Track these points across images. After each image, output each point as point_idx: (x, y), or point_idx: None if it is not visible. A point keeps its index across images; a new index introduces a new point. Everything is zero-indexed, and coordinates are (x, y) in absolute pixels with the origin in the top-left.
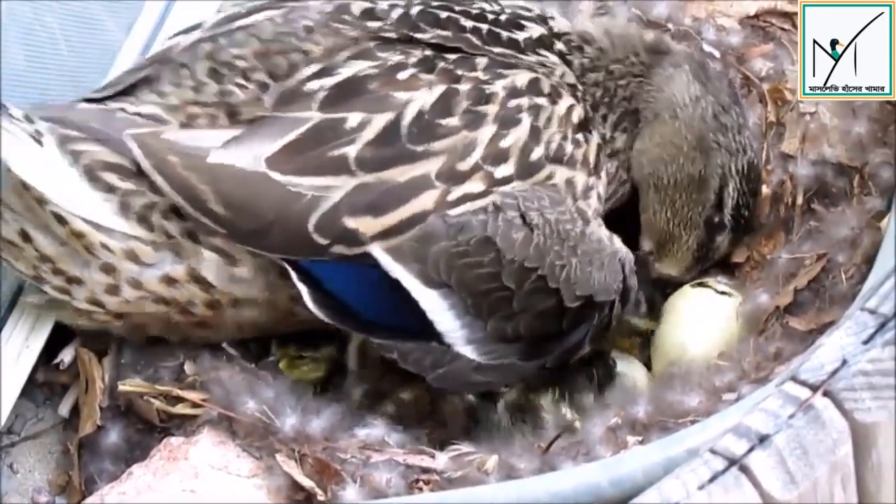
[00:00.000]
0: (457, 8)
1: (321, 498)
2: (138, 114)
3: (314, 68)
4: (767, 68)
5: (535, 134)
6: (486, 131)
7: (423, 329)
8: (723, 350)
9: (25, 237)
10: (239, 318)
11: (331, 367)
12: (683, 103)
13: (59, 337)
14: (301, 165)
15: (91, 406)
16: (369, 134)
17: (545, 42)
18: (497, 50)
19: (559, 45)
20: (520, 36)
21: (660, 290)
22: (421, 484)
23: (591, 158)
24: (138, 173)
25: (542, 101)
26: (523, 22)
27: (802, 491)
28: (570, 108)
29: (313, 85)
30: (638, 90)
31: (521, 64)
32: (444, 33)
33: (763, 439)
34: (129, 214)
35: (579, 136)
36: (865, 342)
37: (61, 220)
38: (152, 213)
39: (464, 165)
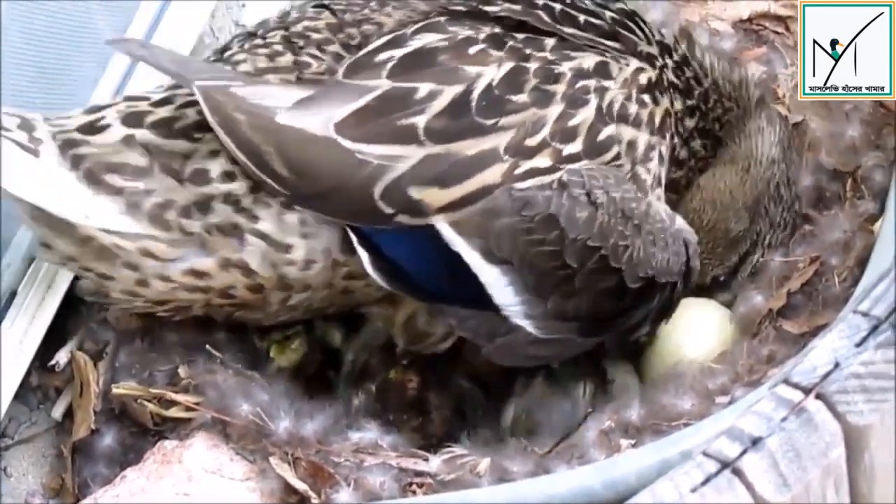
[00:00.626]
0: None
1: (315, 501)
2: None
3: (384, 39)
4: (760, 73)
5: (600, 113)
6: (555, 109)
7: (481, 300)
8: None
9: (46, 245)
10: (289, 299)
11: (318, 347)
12: (760, 161)
13: (54, 340)
14: (370, 132)
15: (85, 410)
16: (439, 105)
17: (638, 22)
18: (568, 30)
19: (650, 33)
20: (605, 19)
21: None
22: (414, 487)
23: (657, 119)
24: (148, 170)
25: (608, 83)
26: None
27: (795, 493)
28: (639, 71)
29: (383, 55)
30: (732, 122)
31: (591, 48)
32: (515, 7)
33: (756, 442)
34: (138, 214)
35: (645, 97)
36: (858, 345)
37: (70, 225)
38: (167, 211)
39: (532, 141)
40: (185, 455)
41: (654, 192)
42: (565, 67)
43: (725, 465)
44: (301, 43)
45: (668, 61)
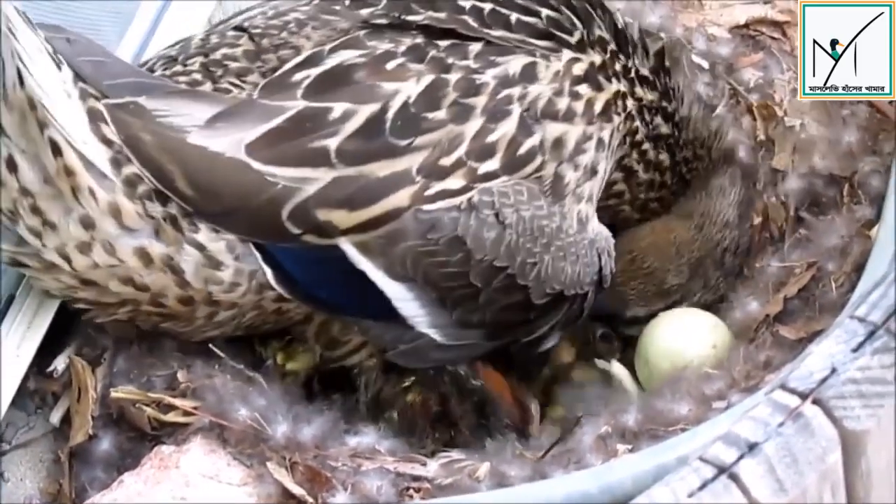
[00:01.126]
0: None
1: None
2: None
3: (300, 58)
4: (757, 78)
5: (523, 123)
6: (474, 125)
7: (387, 312)
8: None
9: (12, 165)
10: (215, 315)
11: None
12: (715, 222)
13: (52, 346)
14: (281, 154)
15: (83, 415)
16: (352, 126)
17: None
18: (497, 33)
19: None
20: (538, 16)
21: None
22: (411, 491)
23: (598, 105)
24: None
25: (534, 87)
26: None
27: (792, 499)
28: (572, 61)
29: (299, 75)
30: (698, 171)
31: (520, 49)
32: (438, 15)
33: (752, 447)
34: (118, 172)
35: (581, 87)
36: (855, 350)
37: (57, 150)
38: (139, 184)
39: (447, 161)
40: (182, 460)
41: (576, 191)
42: (489, 76)
43: (722, 470)
44: (220, 72)
45: (639, 65)
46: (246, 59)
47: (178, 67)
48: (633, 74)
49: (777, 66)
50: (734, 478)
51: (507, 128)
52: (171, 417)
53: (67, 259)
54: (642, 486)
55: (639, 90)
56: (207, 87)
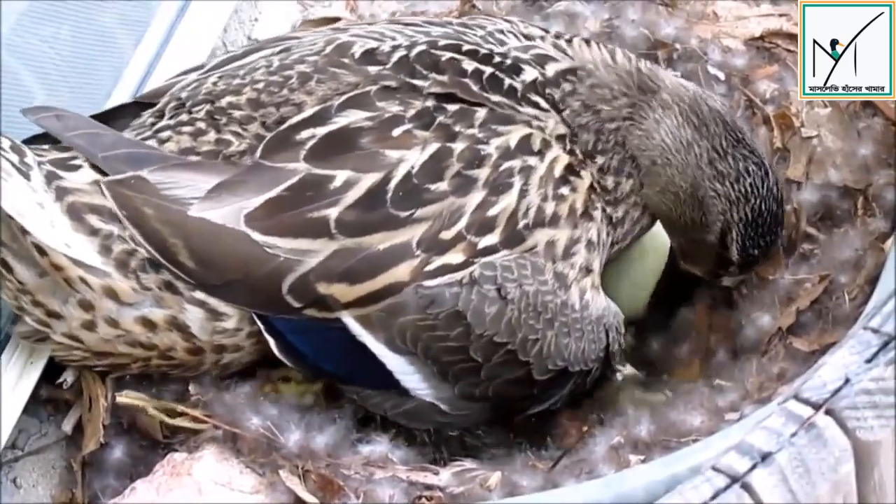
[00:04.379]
0: (464, 48)
1: None
2: None
3: (307, 113)
4: (772, 90)
5: (523, 199)
6: (475, 198)
7: (388, 383)
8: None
9: (6, 266)
10: (221, 360)
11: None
12: (675, 149)
13: None
14: (281, 225)
15: (95, 424)
16: (353, 196)
17: (538, 89)
18: (495, 98)
19: (552, 91)
20: (517, 83)
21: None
22: (424, 500)
23: (579, 206)
24: (118, 217)
25: (532, 160)
26: (522, 66)
27: None
28: (553, 162)
29: (305, 133)
30: (628, 135)
31: (518, 117)
32: (441, 78)
33: (765, 457)
34: (107, 256)
35: (562, 190)
36: (868, 361)
37: (42, 251)
38: (131, 260)
39: (447, 234)
40: (194, 467)
41: (580, 284)
42: (492, 147)
43: (735, 479)
44: (224, 120)
45: (567, 110)
46: (249, 108)
47: (185, 116)
48: (586, 157)
49: (792, 78)
50: (747, 487)
51: (509, 201)
52: (182, 422)
53: (77, 339)
54: (655, 496)
55: (594, 170)
56: (211, 135)
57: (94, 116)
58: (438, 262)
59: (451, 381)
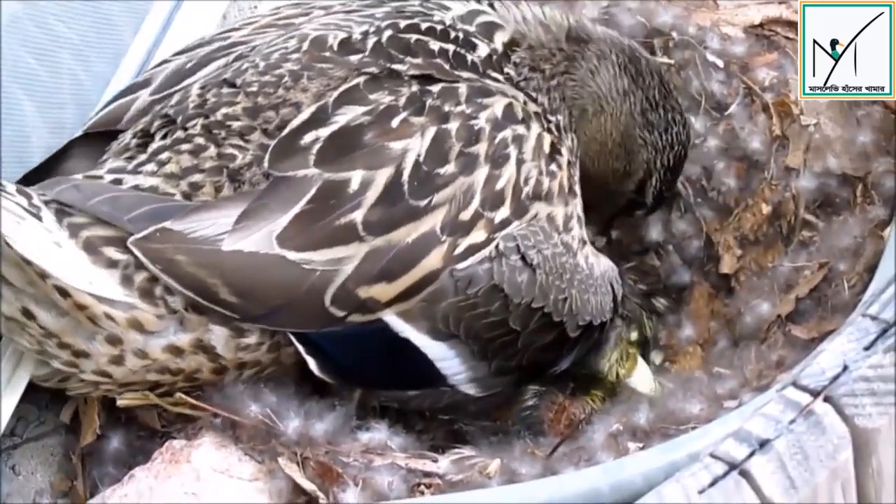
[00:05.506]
0: (423, 27)
1: (322, 501)
2: (138, 187)
3: (306, 115)
4: (771, 77)
5: (520, 170)
6: (481, 174)
7: (426, 378)
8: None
9: (28, 314)
10: (241, 375)
11: None
12: (610, 97)
13: None
14: (312, 239)
15: (90, 416)
16: (373, 195)
17: (494, 65)
18: (466, 75)
19: (507, 68)
20: (475, 58)
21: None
22: (422, 488)
23: (566, 182)
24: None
25: (520, 129)
26: (474, 41)
27: (802, 496)
28: (540, 137)
29: (308, 137)
30: (565, 82)
31: (493, 88)
32: (416, 61)
33: (764, 444)
34: (131, 287)
35: (552, 167)
36: (867, 348)
37: (64, 293)
38: (155, 286)
39: (465, 214)
40: (193, 455)
41: (582, 251)
42: (482, 120)
43: (733, 466)
44: (222, 133)
45: (522, 82)
46: (247, 117)
47: (180, 133)
48: (559, 130)
49: (792, 66)
50: (745, 475)
51: (510, 172)
52: (181, 410)
53: (106, 375)
54: (653, 484)
55: (568, 141)
56: (212, 150)
57: (46, 161)
58: (465, 243)
59: (488, 359)
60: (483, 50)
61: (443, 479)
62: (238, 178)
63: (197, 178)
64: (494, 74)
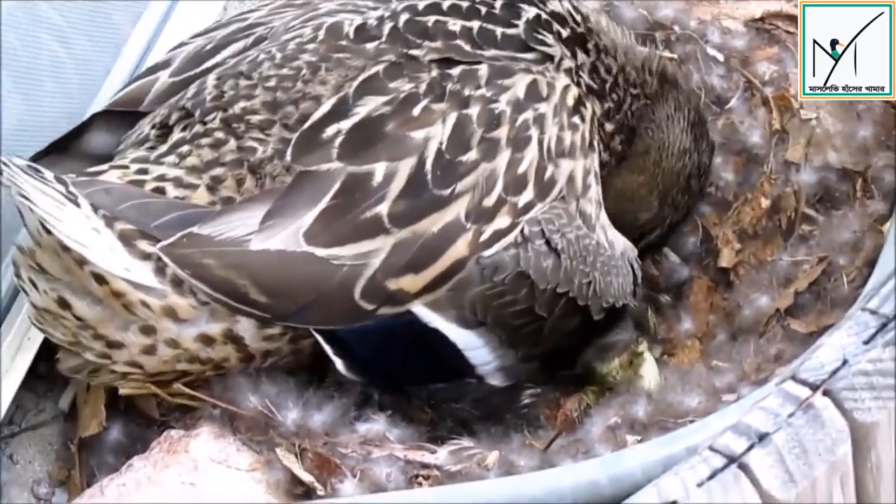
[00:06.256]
0: (445, 5)
1: (320, 492)
2: (162, 177)
3: (327, 107)
4: (772, 71)
5: (541, 149)
6: (503, 159)
7: (454, 370)
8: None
9: (64, 304)
10: (265, 363)
11: None
12: (672, 152)
13: None
14: (339, 234)
15: (94, 405)
16: (397, 187)
17: (544, 25)
18: (489, 53)
19: (560, 28)
20: (517, 28)
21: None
22: (420, 479)
23: (587, 135)
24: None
25: (543, 107)
26: (520, 6)
27: (801, 490)
28: (566, 91)
29: (330, 130)
30: (644, 113)
31: (515, 67)
32: (434, 45)
33: (762, 437)
34: (165, 278)
35: (575, 119)
36: (866, 342)
37: (101, 279)
38: None
39: (489, 201)
40: (191, 444)
41: (599, 220)
42: (503, 102)
43: (732, 460)
44: (242, 127)
45: (583, 59)
46: (266, 111)
47: (199, 128)
48: (592, 94)
49: (792, 60)
50: (744, 468)
51: (532, 155)
52: (180, 400)
53: (138, 365)
54: (651, 476)
55: (597, 108)
56: (232, 143)
57: (67, 134)
58: (490, 230)
59: (516, 346)
60: (531, 13)
61: (441, 471)
62: (259, 170)
63: (219, 171)
64: (541, 36)
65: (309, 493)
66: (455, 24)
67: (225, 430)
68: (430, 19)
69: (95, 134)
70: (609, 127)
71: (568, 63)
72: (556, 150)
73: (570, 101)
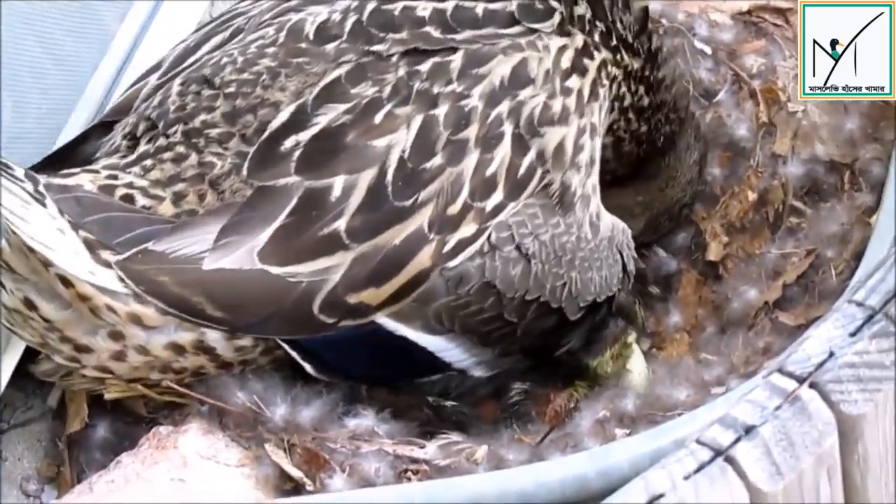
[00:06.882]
0: None
1: (309, 488)
2: (131, 185)
3: (285, 116)
4: (759, 64)
5: (517, 142)
6: (470, 161)
7: (432, 366)
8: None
9: (30, 305)
10: (245, 369)
11: None
12: (679, 181)
13: None
14: (295, 252)
15: (78, 403)
16: (356, 201)
17: None
18: (463, 35)
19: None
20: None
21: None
22: (410, 474)
23: (586, 91)
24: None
25: (524, 92)
26: None
27: (788, 482)
28: (560, 53)
29: (288, 142)
30: (671, 133)
31: (496, 49)
32: (398, 36)
33: (749, 430)
34: (127, 285)
35: (571, 81)
36: (853, 334)
37: (67, 282)
38: None
39: (454, 208)
40: (180, 440)
41: (586, 186)
42: (475, 97)
43: (718, 452)
44: (202, 142)
45: (622, 30)
46: (225, 123)
47: (162, 141)
48: (615, 42)
49: (779, 53)
50: (730, 461)
51: (503, 152)
52: (168, 398)
53: (108, 371)
54: (639, 470)
55: (625, 57)
56: (193, 158)
57: (63, 147)
58: (454, 239)
59: (490, 346)
60: None
61: (430, 465)
62: (218, 185)
63: (180, 186)
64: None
65: (298, 488)
66: (425, 9)
67: (213, 426)
68: (398, 6)
69: (93, 144)
70: (646, 101)
71: (580, 10)
72: (539, 121)
73: (566, 63)
